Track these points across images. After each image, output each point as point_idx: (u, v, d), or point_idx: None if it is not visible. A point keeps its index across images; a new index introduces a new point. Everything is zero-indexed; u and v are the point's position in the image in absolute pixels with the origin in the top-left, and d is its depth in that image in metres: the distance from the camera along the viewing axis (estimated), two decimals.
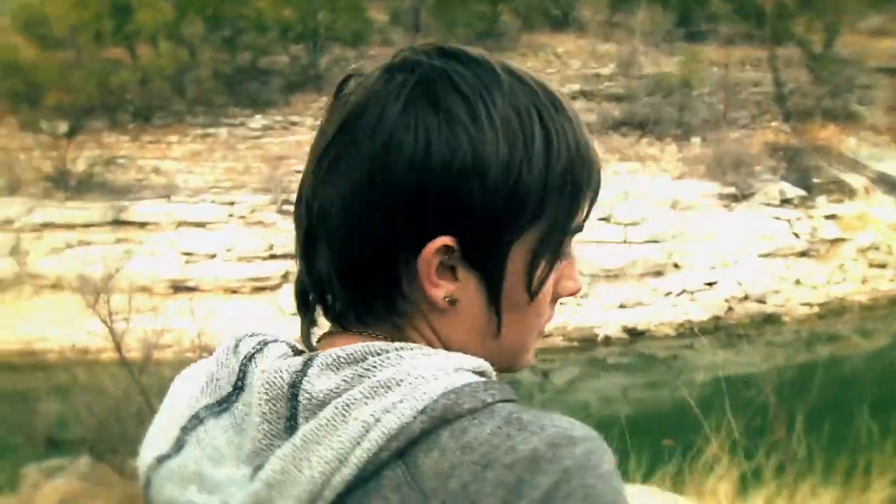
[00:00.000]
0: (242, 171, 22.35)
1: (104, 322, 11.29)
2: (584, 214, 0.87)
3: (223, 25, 24.33)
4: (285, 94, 24.80)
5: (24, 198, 20.82)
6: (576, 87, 26.19)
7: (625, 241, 20.32)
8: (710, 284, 19.81)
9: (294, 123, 23.69)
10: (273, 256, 20.79)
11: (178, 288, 19.69)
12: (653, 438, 5.75)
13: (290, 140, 22.95)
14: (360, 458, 0.72)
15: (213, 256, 20.82)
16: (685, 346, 18.47)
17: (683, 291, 19.68)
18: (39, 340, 17.50)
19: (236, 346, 0.87)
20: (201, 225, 21.26)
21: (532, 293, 0.84)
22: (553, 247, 0.84)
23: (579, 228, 0.87)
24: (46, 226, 20.32)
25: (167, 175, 21.89)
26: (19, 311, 18.70)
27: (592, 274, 19.70)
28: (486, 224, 0.79)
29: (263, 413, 0.78)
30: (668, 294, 19.67)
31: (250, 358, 0.84)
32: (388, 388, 0.75)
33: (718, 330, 18.69)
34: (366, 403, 0.74)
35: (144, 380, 9.48)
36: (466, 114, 0.78)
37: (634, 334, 18.70)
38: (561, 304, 0.92)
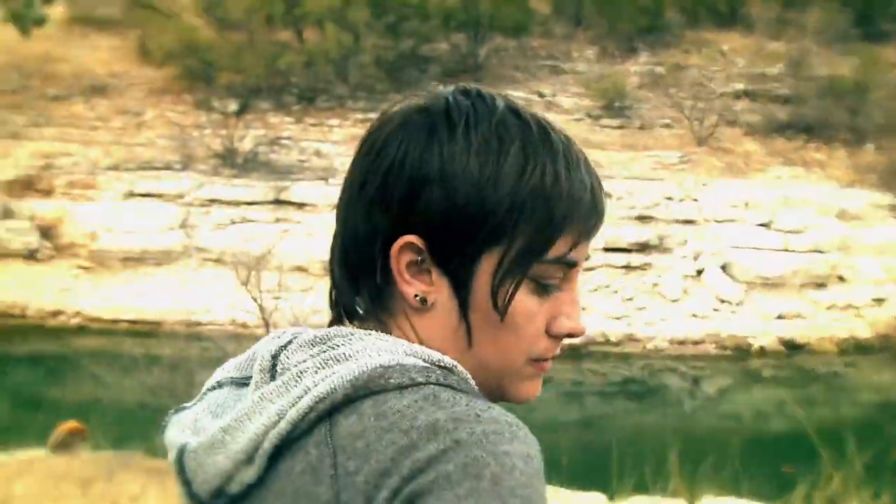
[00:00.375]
0: None
1: (254, 299, 11.69)
2: (572, 249, 0.91)
3: (388, 12, 24.66)
4: (443, 81, 24.96)
5: (195, 173, 21.69)
6: (740, 86, 25.37)
7: (785, 250, 19.57)
8: (878, 301, 18.85)
9: None
10: None
11: None
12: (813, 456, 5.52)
13: None
14: (293, 416, 0.83)
15: None
16: (847, 363, 17.66)
17: (849, 306, 18.80)
18: (202, 312, 18.20)
19: (278, 335, 0.96)
20: None
21: (499, 310, 0.89)
22: (521, 269, 0.89)
23: (569, 263, 0.92)
24: (213, 201, 21.10)
25: (327, 157, 22.40)
26: (185, 282, 19.54)
27: (748, 281, 19.08)
28: (451, 231, 0.88)
29: (256, 382, 0.91)
30: (830, 307, 18.83)
31: (286, 346, 0.92)
32: (338, 361, 0.86)
33: (885, 349, 17.78)
34: (315, 373, 0.85)
35: None
36: (447, 133, 0.88)
37: (792, 347, 17.98)
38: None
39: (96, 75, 24.56)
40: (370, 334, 0.89)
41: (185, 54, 23.88)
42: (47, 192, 21.18)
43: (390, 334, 0.91)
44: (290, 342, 0.91)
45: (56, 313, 18.47)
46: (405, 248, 0.89)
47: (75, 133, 22.54)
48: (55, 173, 21.47)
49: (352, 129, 23.29)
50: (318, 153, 22.72)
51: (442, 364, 0.86)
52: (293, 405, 0.83)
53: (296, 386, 0.85)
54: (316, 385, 0.83)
